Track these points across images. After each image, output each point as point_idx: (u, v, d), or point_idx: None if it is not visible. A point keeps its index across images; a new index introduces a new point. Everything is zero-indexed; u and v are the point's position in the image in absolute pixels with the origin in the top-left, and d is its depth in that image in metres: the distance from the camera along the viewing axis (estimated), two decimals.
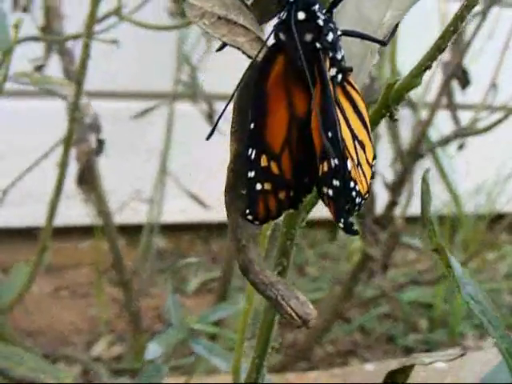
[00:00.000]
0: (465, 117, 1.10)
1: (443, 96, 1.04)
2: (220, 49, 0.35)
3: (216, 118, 1.24)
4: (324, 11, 0.35)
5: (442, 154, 1.43)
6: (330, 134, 0.33)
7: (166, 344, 0.66)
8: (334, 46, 0.35)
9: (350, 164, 0.34)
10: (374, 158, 0.36)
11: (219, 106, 1.11)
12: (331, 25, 0.35)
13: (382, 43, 0.36)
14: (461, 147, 1.12)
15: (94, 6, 0.57)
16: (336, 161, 0.33)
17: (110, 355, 1.26)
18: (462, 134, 1.01)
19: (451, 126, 1.09)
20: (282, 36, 0.34)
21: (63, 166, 0.63)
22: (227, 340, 1.10)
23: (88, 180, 1.10)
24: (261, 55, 0.35)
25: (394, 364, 1.13)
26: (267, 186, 0.36)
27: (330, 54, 0.35)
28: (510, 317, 1.36)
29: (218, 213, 1.38)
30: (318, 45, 0.34)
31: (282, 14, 0.34)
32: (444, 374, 1.10)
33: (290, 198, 0.37)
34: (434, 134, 1.22)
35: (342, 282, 1.15)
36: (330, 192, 0.34)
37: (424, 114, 1.12)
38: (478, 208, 1.60)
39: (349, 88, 0.35)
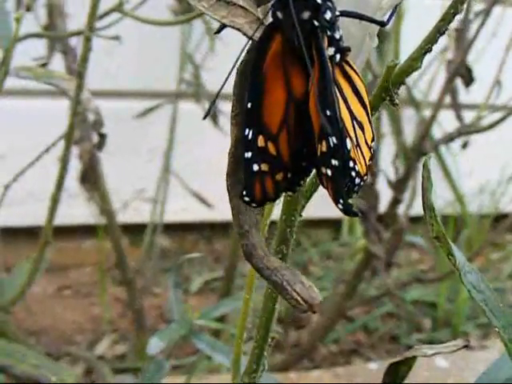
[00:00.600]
0: (468, 116, 1.10)
1: (447, 94, 1.04)
2: (219, 31, 0.35)
3: (220, 118, 1.24)
4: None
5: (445, 153, 1.43)
6: (328, 113, 0.32)
7: (168, 339, 0.66)
8: (332, 25, 0.34)
9: (349, 143, 0.33)
10: (373, 139, 0.35)
11: (223, 105, 1.11)
12: (329, 3, 0.34)
13: (382, 24, 0.35)
14: (465, 146, 1.12)
15: (96, 1, 0.57)
16: (335, 140, 0.33)
17: (113, 354, 1.26)
18: (465, 131, 1.01)
19: (455, 125, 1.09)
20: (279, 14, 0.34)
21: (65, 161, 0.62)
22: (230, 337, 1.10)
23: (91, 179, 1.10)
24: (258, 34, 0.34)
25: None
26: (264, 167, 0.35)
27: (328, 33, 0.34)
28: None
29: (221, 212, 1.39)
30: (315, 23, 0.34)
31: None
32: (447, 373, 1.10)
33: (288, 180, 0.36)
34: (438, 133, 1.22)
35: (346, 281, 1.14)
36: (329, 172, 0.33)
37: (427, 112, 1.12)
38: (482, 208, 1.60)
39: (347, 68, 0.35)
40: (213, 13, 0.33)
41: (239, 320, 0.49)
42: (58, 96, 1.04)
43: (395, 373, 0.43)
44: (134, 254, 1.39)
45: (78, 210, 1.36)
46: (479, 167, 1.62)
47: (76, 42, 1.04)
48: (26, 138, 1.38)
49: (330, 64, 0.33)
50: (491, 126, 0.99)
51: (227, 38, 0.53)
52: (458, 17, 0.99)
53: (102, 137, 0.66)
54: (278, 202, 0.37)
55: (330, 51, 0.34)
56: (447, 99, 1.06)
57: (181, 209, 1.48)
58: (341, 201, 0.33)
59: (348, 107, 0.34)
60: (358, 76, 0.35)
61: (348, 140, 0.33)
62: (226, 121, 1.23)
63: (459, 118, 1.05)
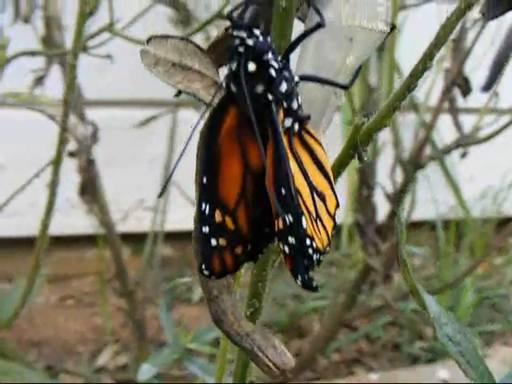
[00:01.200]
0: (468, 120, 1.09)
1: (444, 103, 1.03)
2: (176, 95, 0.34)
3: None
4: (279, 58, 0.34)
5: (447, 158, 1.42)
6: (283, 191, 0.32)
7: (160, 364, 0.66)
8: (288, 96, 0.33)
9: (305, 221, 0.32)
10: (337, 206, 0.35)
11: None
12: (286, 73, 0.33)
13: (344, 87, 0.34)
14: (464, 155, 1.11)
15: (81, 25, 0.56)
16: (291, 217, 0.32)
17: (115, 365, 1.25)
18: (463, 143, 1.00)
19: (453, 132, 1.08)
20: (232, 87, 0.33)
21: (53, 187, 0.62)
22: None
23: (90, 191, 1.10)
24: (214, 104, 0.34)
25: (397, 373, 1.12)
26: (222, 242, 0.34)
27: (285, 105, 0.33)
28: None
29: None
30: (269, 96, 0.33)
31: (232, 63, 0.33)
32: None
33: (248, 252, 0.35)
34: (437, 139, 1.21)
35: (346, 291, 1.14)
36: (286, 249, 0.32)
37: (427, 118, 1.12)
38: (485, 212, 1.59)
39: (307, 137, 0.34)
40: (168, 78, 0.32)
41: (222, 342, 0.48)
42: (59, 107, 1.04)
43: None
44: (135, 263, 1.39)
45: (79, 219, 1.36)
46: (481, 173, 1.62)
47: None
48: (26, 148, 1.39)
49: (288, 135, 0.33)
50: (489, 137, 0.98)
51: None
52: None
53: (90, 162, 0.65)
54: None
55: (288, 122, 0.33)
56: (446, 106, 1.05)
57: (182, 218, 1.48)
58: (299, 277, 0.32)
59: (307, 179, 0.33)
60: (319, 143, 0.34)
61: (304, 217, 0.32)
62: None
63: (458, 127, 1.04)
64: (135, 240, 1.45)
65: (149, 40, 0.34)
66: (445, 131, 1.18)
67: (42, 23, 1.07)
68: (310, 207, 0.33)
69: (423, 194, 1.37)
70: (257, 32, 0.33)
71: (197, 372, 0.67)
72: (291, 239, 0.32)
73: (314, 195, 0.33)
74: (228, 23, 0.34)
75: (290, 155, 0.32)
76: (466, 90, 1.01)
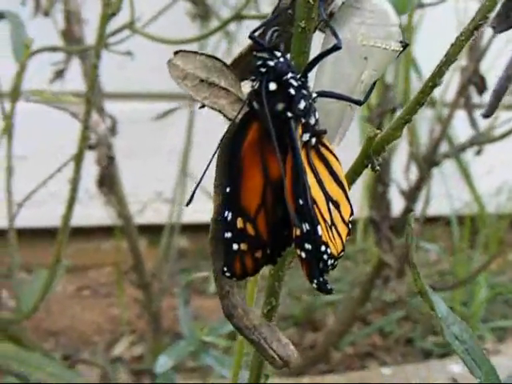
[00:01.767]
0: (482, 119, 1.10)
1: (460, 101, 1.04)
2: (201, 107, 0.36)
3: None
4: (298, 76, 0.36)
5: (462, 154, 1.43)
6: (300, 202, 0.34)
7: (176, 356, 0.67)
8: (306, 112, 0.35)
9: (320, 229, 0.34)
10: (351, 214, 0.37)
11: None
12: (304, 91, 0.35)
13: (358, 103, 0.36)
14: (479, 152, 1.12)
15: (103, 26, 0.58)
16: (307, 225, 0.34)
17: (131, 355, 1.27)
18: (478, 142, 1.01)
19: (469, 128, 1.08)
20: (254, 104, 0.35)
21: (75, 182, 0.63)
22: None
23: (108, 183, 1.11)
24: (238, 120, 0.36)
25: (409, 368, 1.13)
26: (243, 247, 0.37)
27: (303, 120, 0.35)
28: None
29: None
30: (289, 114, 0.35)
31: (254, 83, 0.35)
32: (460, 377, 1.10)
33: (267, 255, 0.37)
34: (452, 135, 1.21)
35: (360, 286, 1.15)
36: (303, 254, 0.35)
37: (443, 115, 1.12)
38: (499, 208, 1.60)
39: (323, 150, 0.36)
40: (195, 93, 0.34)
41: (238, 335, 0.50)
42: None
43: None
44: (152, 253, 1.41)
45: (97, 210, 1.37)
46: (497, 168, 1.62)
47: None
48: (47, 140, 1.40)
49: (305, 149, 0.35)
50: (503, 136, 0.99)
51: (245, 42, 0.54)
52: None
53: (111, 159, 0.66)
54: None
55: (306, 137, 0.35)
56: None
57: (199, 210, 1.49)
58: (315, 280, 0.35)
59: (323, 189, 0.35)
60: (334, 155, 0.36)
61: (320, 225, 0.34)
62: None
63: (474, 125, 1.05)
64: (152, 231, 1.46)
65: (176, 53, 0.36)
66: (460, 127, 1.19)
67: (62, 17, 1.09)
68: (325, 215, 0.35)
69: (438, 189, 1.38)
70: (277, 53, 0.36)
71: (213, 364, 0.68)
72: (307, 246, 0.34)
73: (330, 204, 0.36)
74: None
75: (307, 167, 0.35)
76: (482, 89, 1.02)
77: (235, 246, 0.37)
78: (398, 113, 0.37)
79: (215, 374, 1.08)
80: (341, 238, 0.36)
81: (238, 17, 0.68)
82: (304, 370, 1.18)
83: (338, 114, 0.37)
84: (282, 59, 0.35)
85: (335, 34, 0.35)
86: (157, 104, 1.42)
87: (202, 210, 1.52)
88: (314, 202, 0.35)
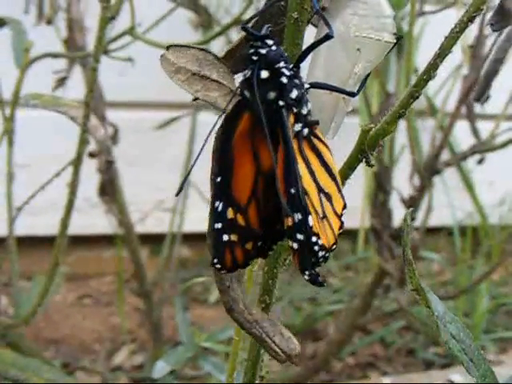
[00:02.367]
0: (484, 127, 1.09)
1: (461, 109, 1.03)
2: (194, 100, 0.36)
3: None
4: (291, 66, 0.35)
5: (464, 164, 1.42)
6: (292, 191, 0.34)
7: (174, 362, 0.67)
8: (298, 102, 0.35)
9: (311, 219, 0.34)
10: (344, 207, 0.36)
11: None
12: (296, 80, 0.35)
13: (351, 94, 0.36)
14: (480, 161, 1.11)
15: (103, 29, 0.58)
16: (299, 215, 0.34)
17: (131, 364, 1.27)
18: (479, 150, 1.01)
19: (470, 137, 1.08)
20: (246, 93, 0.35)
21: (73, 185, 0.63)
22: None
23: (109, 191, 1.11)
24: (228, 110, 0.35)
25: (409, 378, 1.13)
26: (234, 238, 0.36)
27: (295, 110, 0.35)
28: None
29: None
30: (280, 102, 0.35)
31: (246, 71, 0.35)
32: None
33: (258, 248, 0.37)
34: (454, 144, 1.21)
35: (360, 296, 1.15)
36: (295, 245, 0.34)
37: (445, 124, 1.12)
38: (502, 219, 1.59)
39: (315, 141, 0.36)
40: (188, 87, 0.34)
41: (234, 342, 0.49)
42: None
43: None
44: (153, 263, 1.40)
45: (99, 219, 1.37)
46: (500, 178, 1.62)
47: None
48: (49, 147, 1.40)
49: (297, 139, 0.34)
50: (505, 144, 0.99)
51: None
52: (473, 34, 0.98)
53: (110, 163, 0.66)
54: None
55: (298, 127, 0.35)
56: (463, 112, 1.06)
57: (200, 219, 1.49)
58: (306, 272, 0.34)
59: (315, 180, 0.35)
60: (327, 147, 0.35)
61: (311, 215, 0.34)
62: None
63: (475, 133, 1.04)
64: (153, 241, 1.46)
65: (168, 47, 0.36)
66: (462, 137, 1.19)
67: (64, 25, 1.09)
68: (316, 207, 0.35)
69: (440, 199, 1.37)
70: (270, 42, 0.35)
71: (211, 370, 0.68)
72: (299, 236, 0.34)
73: (321, 196, 0.35)
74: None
75: (298, 157, 0.34)
76: (484, 97, 1.01)
77: (225, 237, 0.36)
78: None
79: (214, 380, 1.08)
80: (333, 231, 0.36)
81: (239, 22, 0.67)
82: (305, 379, 1.17)
83: (331, 107, 0.36)
84: (274, 47, 0.35)
85: (327, 24, 0.34)
86: (159, 113, 1.42)
87: (204, 220, 1.52)
88: (306, 192, 0.34)
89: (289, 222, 0.34)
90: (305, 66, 0.36)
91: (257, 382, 0.42)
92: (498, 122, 1.06)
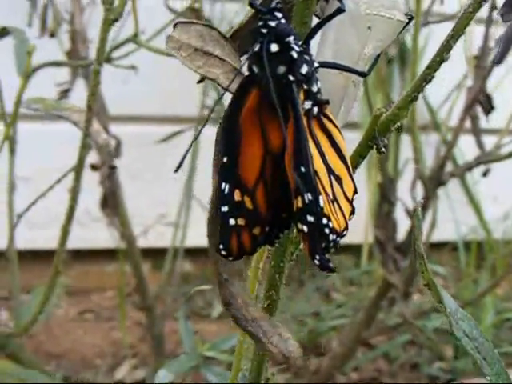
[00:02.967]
0: (488, 141, 1.09)
1: (466, 121, 1.03)
2: (200, 81, 0.35)
3: None
4: (300, 42, 0.34)
5: (469, 178, 1.42)
6: (302, 170, 0.32)
7: (176, 370, 0.66)
8: (308, 79, 0.34)
9: (322, 200, 0.33)
10: (355, 192, 0.35)
11: None
12: (306, 56, 0.34)
13: (362, 74, 0.35)
14: (485, 174, 1.10)
15: (105, 34, 0.57)
16: (310, 196, 0.32)
17: (132, 379, 1.25)
18: (484, 161, 1.00)
19: (475, 151, 1.08)
20: (255, 68, 0.34)
21: (74, 192, 0.63)
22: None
23: (111, 205, 1.10)
24: (235, 87, 0.34)
25: None
26: (241, 222, 0.35)
27: (305, 87, 0.34)
28: None
29: None
30: (290, 77, 0.34)
31: (255, 45, 0.34)
32: None
33: (266, 234, 0.36)
34: (459, 159, 1.21)
35: (364, 309, 1.14)
36: (305, 228, 0.33)
37: (449, 138, 1.11)
38: (506, 234, 1.58)
39: (325, 121, 0.34)
40: (190, 63, 0.33)
41: (236, 349, 0.49)
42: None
43: None
44: (155, 277, 1.39)
45: (101, 233, 1.36)
46: (504, 193, 1.61)
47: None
48: (51, 160, 1.39)
49: (307, 117, 0.33)
50: (510, 155, 0.98)
51: None
52: (478, 44, 0.97)
53: (113, 168, 0.66)
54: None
55: (307, 105, 0.34)
56: (467, 126, 1.05)
57: (203, 233, 1.48)
58: (317, 256, 0.33)
59: (325, 161, 0.33)
60: (337, 129, 0.34)
61: (321, 197, 0.32)
62: None
63: (480, 145, 1.04)
64: (155, 255, 1.45)
65: (175, 25, 0.35)
66: (466, 151, 1.18)
67: (67, 38, 1.09)
68: (327, 188, 0.33)
69: (445, 214, 1.36)
70: (279, 14, 0.34)
71: (213, 380, 0.67)
72: (310, 218, 0.32)
73: (331, 178, 0.34)
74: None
75: (308, 136, 0.33)
76: (489, 108, 1.01)
77: (232, 221, 0.35)
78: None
79: None
80: (343, 215, 0.34)
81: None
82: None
83: (340, 89, 0.35)
84: (283, 21, 0.34)
85: None
86: (161, 127, 1.42)
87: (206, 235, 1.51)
88: (316, 173, 0.33)
89: (299, 202, 0.33)
90: (313, 46, 0.35)
91: (262, 382, 0.41)
92: (502, 136, 1.06)
